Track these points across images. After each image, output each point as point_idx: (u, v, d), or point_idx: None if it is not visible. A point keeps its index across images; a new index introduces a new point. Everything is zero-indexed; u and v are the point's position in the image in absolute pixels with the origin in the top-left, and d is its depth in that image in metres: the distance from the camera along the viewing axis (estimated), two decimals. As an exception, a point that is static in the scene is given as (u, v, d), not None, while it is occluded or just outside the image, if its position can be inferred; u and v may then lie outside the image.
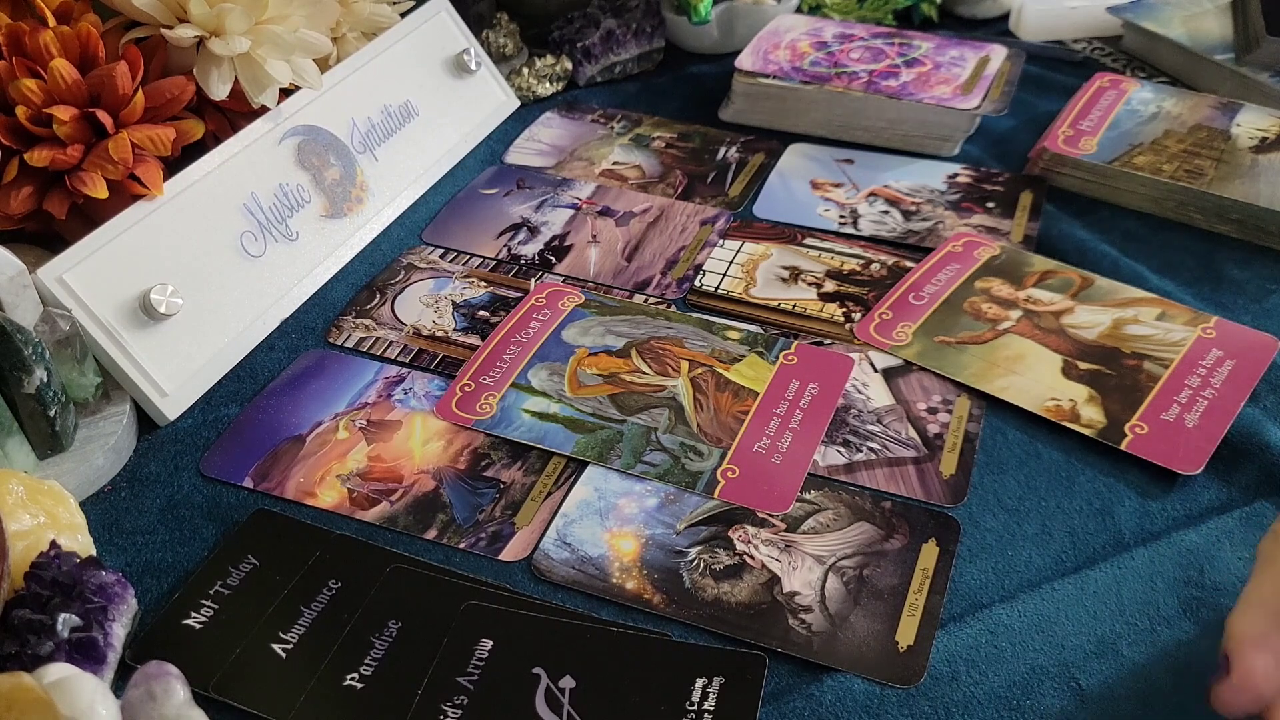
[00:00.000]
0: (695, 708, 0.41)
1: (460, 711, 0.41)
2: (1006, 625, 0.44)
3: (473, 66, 0.76)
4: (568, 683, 0.42)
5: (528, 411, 0.54)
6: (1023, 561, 0.47)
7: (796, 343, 0.58)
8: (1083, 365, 0.55)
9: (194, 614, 0.44)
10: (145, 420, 0.55)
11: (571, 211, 0.70)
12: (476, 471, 0.52)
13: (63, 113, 0.53)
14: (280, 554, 0.47)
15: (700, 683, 0.42)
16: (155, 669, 0.38)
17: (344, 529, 0.49)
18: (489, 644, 0.43)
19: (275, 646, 0.43)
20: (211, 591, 0.46)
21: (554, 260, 0.65)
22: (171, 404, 0.55)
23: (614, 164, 0.74)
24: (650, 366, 0.57)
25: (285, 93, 0.63)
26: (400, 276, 0.64)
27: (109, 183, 0.54)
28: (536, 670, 0.42)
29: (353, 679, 0.41)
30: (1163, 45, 0.81)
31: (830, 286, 0.62)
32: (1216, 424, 0.51)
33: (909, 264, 0.63)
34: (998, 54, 0.78)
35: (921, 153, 0.74)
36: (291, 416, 0.55)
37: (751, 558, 0.47)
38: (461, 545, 0.48)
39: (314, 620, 0.44)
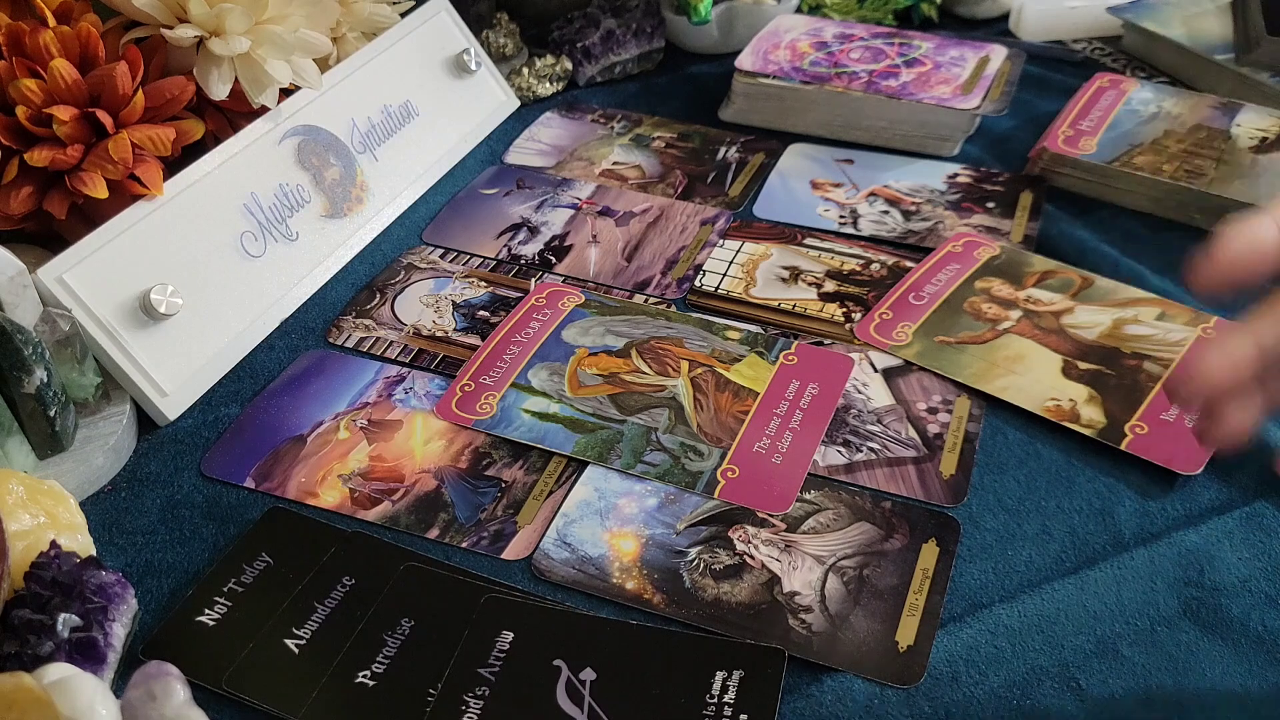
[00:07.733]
0: (715, 700, 0.41)
1: (482, 702, 0.41)
2: (1006, 625, 0.44)
3: (473, 66, 0.76)
4: (588, 675, 0.42)
5: (528, 411, 0.54)
6: (1023, 561, 0.47)
7: (796, 343, 0.58)
8: (1083, 365, 0.55)
9: (207, 611, 0.44)
10: (145, 420, 0.55)
11: (571, 211, 0.70)
12: (478, 470, 0.52)
13: (63, 113, 0.53)
14: (294, 552, 0.47)
15: (720, 676, 0.42)
16: (155, 669, 0.38)
17: (346, 529, 0.49)
18: (510, 636, 0.43)
19: (288, 642, 0.43)
20: (225, 589, 0.46)
21: (554, 260, 0.65)
22: (171, 404, 0.55)
23: (614, 164, 0.74)
24: (650, 366, 0.57)
25: (285, 93, 0.63)
26: (400, 276, 0.64)
27: (109, 183, 0.54)
28: (557, 662, 0.42)
29: (364, 675, 0.42)
30: (1163, 45, 0.81)
31: (830, 286, 0.62)
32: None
33: (909, 264, 0.63)
34: (998, 54, 0.77)
35: (921, 153, 0.74)
36: (292, 416, 0.55)
37: (751, 558, 0.47)
38: (464, 544, 0.48)
39: (327, 617, 0.45)
